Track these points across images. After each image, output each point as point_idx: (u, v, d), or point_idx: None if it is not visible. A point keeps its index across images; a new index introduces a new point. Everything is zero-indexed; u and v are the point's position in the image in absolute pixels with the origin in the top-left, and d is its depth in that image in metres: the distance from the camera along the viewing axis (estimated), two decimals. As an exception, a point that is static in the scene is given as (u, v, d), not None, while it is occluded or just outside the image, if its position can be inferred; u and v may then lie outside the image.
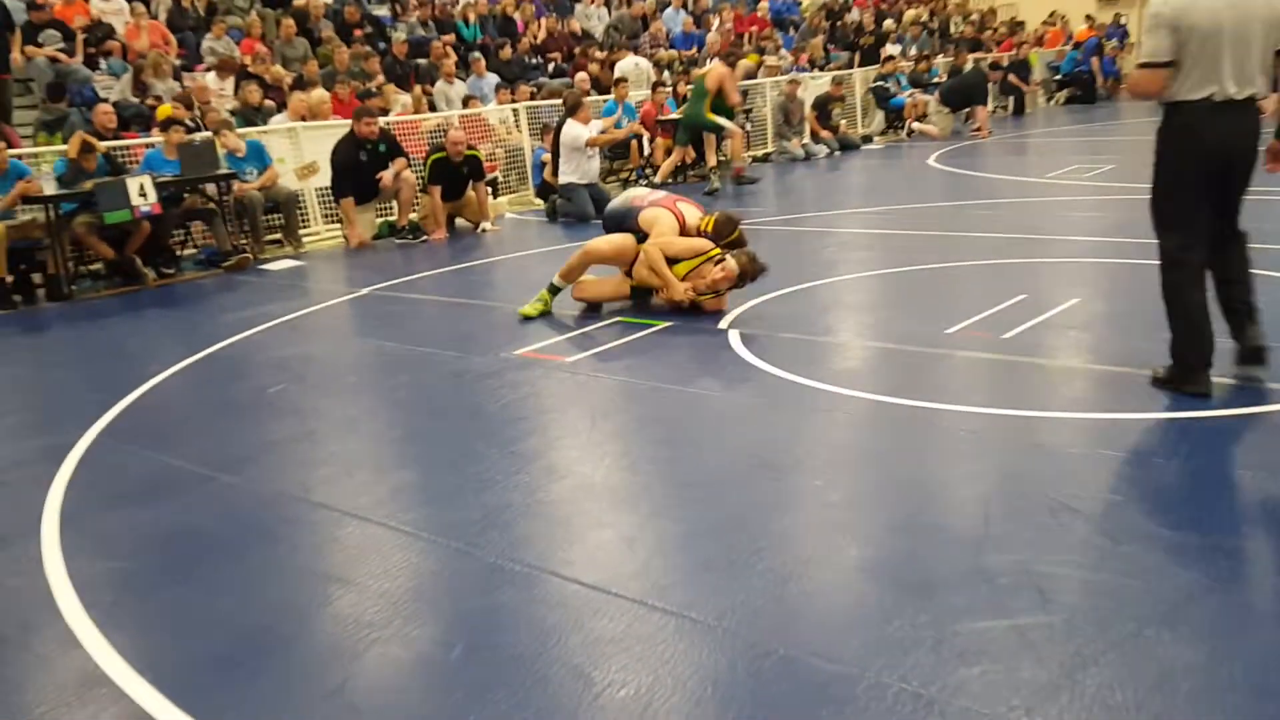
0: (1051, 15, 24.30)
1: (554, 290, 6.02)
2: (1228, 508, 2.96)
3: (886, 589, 2.66)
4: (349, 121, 9.87)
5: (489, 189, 10.61)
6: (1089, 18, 23.34)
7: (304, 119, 10.41)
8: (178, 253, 8.99)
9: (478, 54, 13.71)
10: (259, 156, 9.42)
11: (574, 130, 10.22)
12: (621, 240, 5.98)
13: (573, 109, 10.33)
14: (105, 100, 9.94)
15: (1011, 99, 19.36)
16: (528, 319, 5.91)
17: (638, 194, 6.13)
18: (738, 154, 12.34)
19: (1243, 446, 3.38)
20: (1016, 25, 23.80)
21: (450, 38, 14.33)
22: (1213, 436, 3.47)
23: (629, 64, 14.29)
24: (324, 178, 10.01)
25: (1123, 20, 23.87)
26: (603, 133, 10.40)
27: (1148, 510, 2.99)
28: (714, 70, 11.78)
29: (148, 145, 9.09)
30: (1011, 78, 19.25)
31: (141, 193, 7.73)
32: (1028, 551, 2.78)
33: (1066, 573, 2.66)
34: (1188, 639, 2.34)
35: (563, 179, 10.29)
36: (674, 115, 12.89)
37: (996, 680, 2.23)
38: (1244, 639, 2.33)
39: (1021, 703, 2.15)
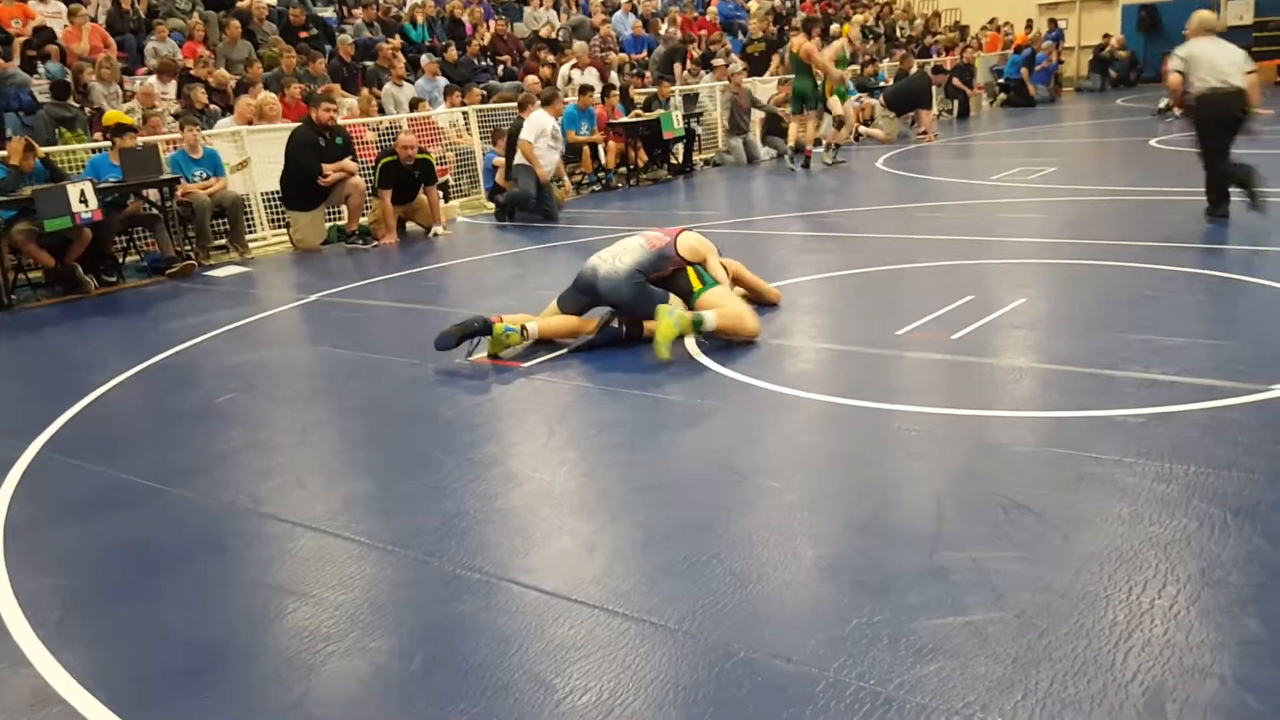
0: (992, 20, 24.71)
1: (698, 324, 5.00)
2: (1174, 503, 3.03)
3: (844, 589, 2.69)
4: (296, 125, 9.78)
5: (440, 193, 10.56)
6: (1030, 22, 23.82)
7: (250, 123, 10.29)
8: (120, 260, 8.83)
9: (429, 56, 13.64)
10: (213, 165, 9.31)
11: (539, 119, 10.22)
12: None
13: (547, 100, 10.41)
14: (42, 105, 9.78)
15: (956, 102, 19.66)
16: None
17: (646, 235, 5.41)
18: (809, 137, 13.03)
19: (1187, 442, 3.45)
20: (961, 29, 24.18)
21: (397, 40, 14.23)
22: (1157, 433, 3.55)
23: (570, 68, 14.24)
24: (271, 180, 9.91)
25: (1061, 24, 24.36)
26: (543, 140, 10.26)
27: (1096, 505, 3.05)
28: (795, 40, 12.66)
29: (92, 150, 8.94)
30: (956, 81, 19.54)
31: (82, 199, 7.59)
32: (981, 549, 2.83)
33: (1019, 569, 2.71)
34: (1140, 632, 2.39)
35: (519, 161, 10.35)
36: (625, 119, 12.94)
37: (952, 677, 2.27)
38: (1194, 631, 2.38)
39: (977, 699, 2.19)
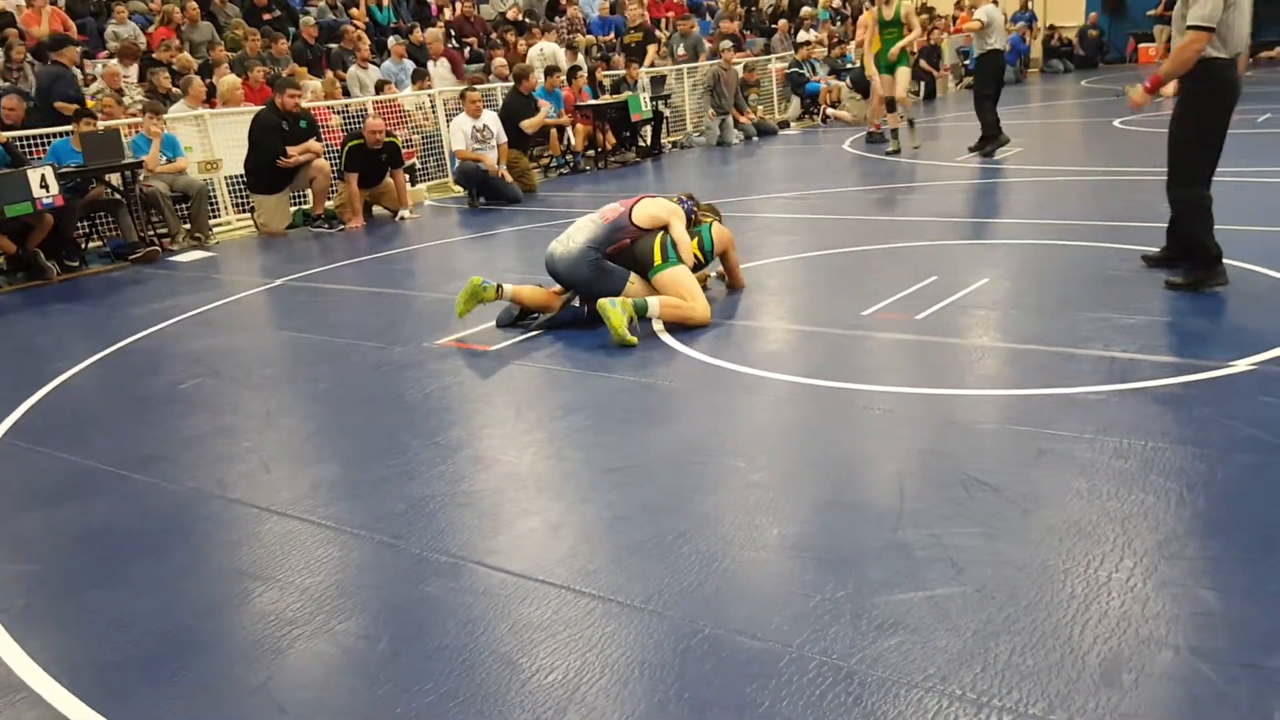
0: (959, 3, 24.79)
1: (640, 310, 4.99)
2: (1131, 478, 3.08)
3: (808, 565, 2.72)
4: (259, 108, 9.68)
5: (407, 176, 10.50)
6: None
7: (208, 105, 10.17)
8: (83, 245, 8.73)
9: (396, 38, 13.53)
10: (170, 148, 9.20)
11: (457, 124, 10.37)
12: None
13: (460, 97, 10.50)
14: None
15: (923, 84, 19.71)
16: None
17: (603, 210, 5.39)
18: (875, 111, 12.63)
19: (1145, 418, 3.51)
20: (928, 10, 24.22)
21: (362, 21, 14.09)
22: (1116, 409, 3.60)
23: (534, 50, 14.10)
24: (236, 165, 9.81)
25: (1030, 5, 24.48)
26: (470, 146, 10.36)
27: (1056, 481, 3.09)
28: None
29: (53, 135, 8.81)
30: (923, 63, 19.58)
31: (43, 184, 7.49)
32: (942, 525, 2.86)
33: (978, 544, 2.75)
34: (1097, 604, 2.43)
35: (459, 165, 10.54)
36: (594, 102, 12.90)
37: (913, 651, 2.30)
38: (1150, 602, 2.43)
39: (937, 671, 2.22)
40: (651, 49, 15.80)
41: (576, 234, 5.26)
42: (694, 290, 5.20)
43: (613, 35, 16.88)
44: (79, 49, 10.85)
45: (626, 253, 5.28)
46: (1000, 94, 10.61)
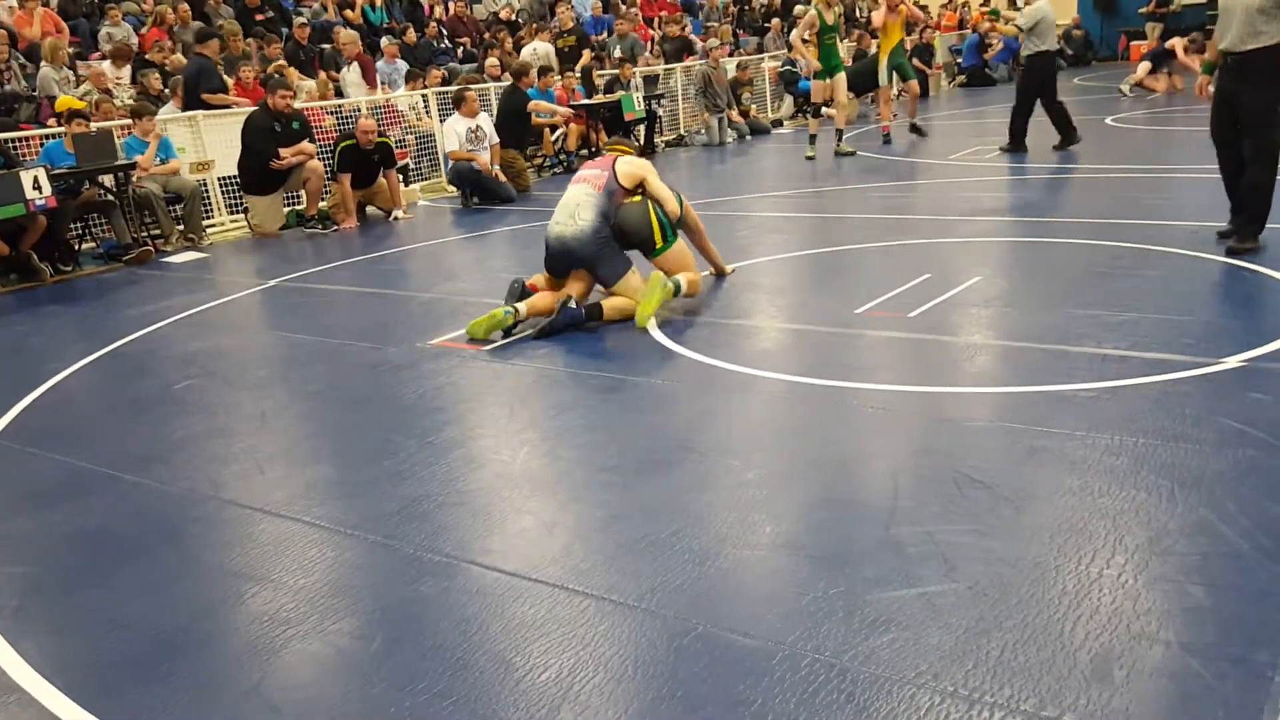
0: (950, 1, 24.82)
1: (676, 290, 5.37)
2: (1123, 475, 3.09)
3: (801, 563, 2.73)
4: (252, 109, 9.67)
5: (400, 176, 10.50)
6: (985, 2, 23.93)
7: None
8: (76, 247, 8.71)
9: (389, 38, 13.50)
10: (164, 149, 9.19)
11: (451, 125, 10.38)
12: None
13: (457, 103, 10.53)
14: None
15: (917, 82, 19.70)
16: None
17: (585, 178, 5.49)
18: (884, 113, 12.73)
19: (1136, 415, 3.52)
20: (920, 9, 24.24)
21: (356, 21, 14.06)
22: (1108, 406, 3.62)
23: (527, 50, 14.03)
24: (229, 165, 9.80)
25: (1019, 2, 24.51)
26: (464, 147, 10.35)
27: (1048, 478, 3.10)
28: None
29: (46, 137, 8.79)
30: (915, 62, 19.60)
31: (36, 186, 7.47)
32: (934, 522, 2.87)
33: (971, 542, 2.76)
34: (1089, 600, 2.44)
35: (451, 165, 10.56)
36: (585, 102, 12.90)
37: (905, 648, 2.31)
38: (1141, 599, 2.44)
39: (929, 668, 2.23)
40: (586, 54, 14.96)
41: (580, 211, 5.35)
42: (692, 261, 5.59)
43: (606, 34, 16.83)
44: (216, 40, 10.86)
45: (626, 233, 5.43)
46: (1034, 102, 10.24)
